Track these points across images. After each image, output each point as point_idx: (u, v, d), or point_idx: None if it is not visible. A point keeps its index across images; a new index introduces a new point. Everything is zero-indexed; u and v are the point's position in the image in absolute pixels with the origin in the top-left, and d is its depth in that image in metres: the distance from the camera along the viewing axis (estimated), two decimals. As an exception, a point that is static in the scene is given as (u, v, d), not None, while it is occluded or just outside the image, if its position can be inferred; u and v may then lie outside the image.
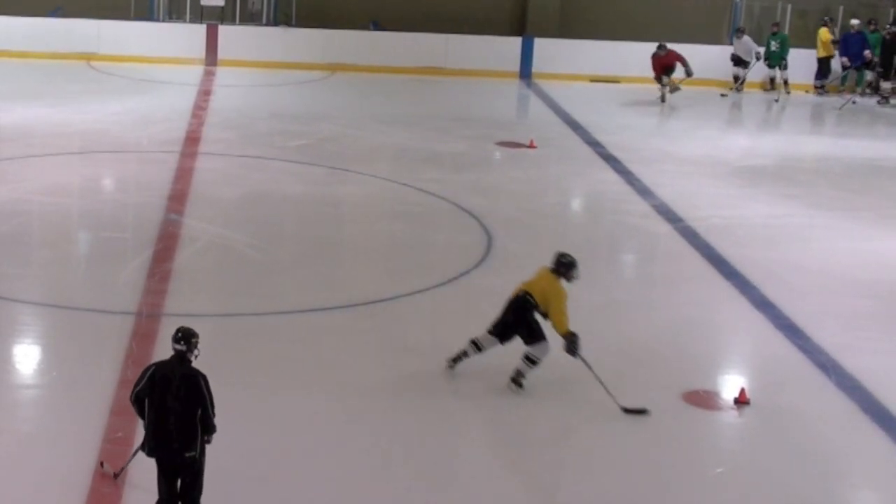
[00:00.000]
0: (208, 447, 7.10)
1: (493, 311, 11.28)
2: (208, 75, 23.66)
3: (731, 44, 25.04)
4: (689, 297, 12.08)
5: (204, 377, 6.99)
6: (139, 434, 8.19)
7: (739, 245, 13.77)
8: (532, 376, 9.66)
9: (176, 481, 7.05)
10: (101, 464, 7.90)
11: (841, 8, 25.76)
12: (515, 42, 25.50)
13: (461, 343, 9.97)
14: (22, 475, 7.83)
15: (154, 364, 7.11)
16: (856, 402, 9.66)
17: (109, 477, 7.73)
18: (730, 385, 9.83)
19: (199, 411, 6.94)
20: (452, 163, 17.52)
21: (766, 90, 24.76)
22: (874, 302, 12.17)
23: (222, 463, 8.02)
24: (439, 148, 18.33)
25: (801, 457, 8.75)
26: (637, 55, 24.98)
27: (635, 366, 10.17)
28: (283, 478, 7.92)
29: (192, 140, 17.70)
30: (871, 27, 24.88)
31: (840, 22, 25.52)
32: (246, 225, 13.61)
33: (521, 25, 27.14)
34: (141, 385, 7.02)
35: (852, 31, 24.69)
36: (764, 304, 11.80)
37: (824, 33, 24.69)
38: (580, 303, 11.68)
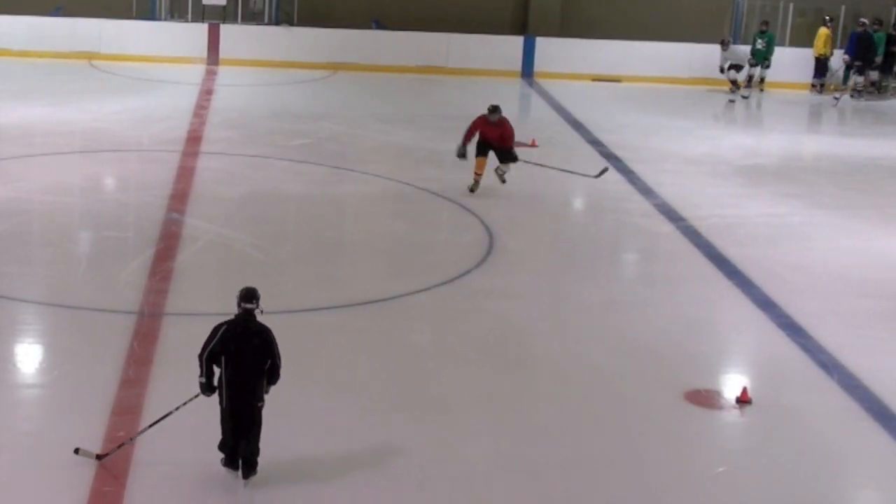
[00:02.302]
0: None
1: (495, 310, 11.32)
2: (210, 74, 23.67)
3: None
4: (690, 296, 12.08)
5: (272, 332, 7.66)
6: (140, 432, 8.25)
7: (741, 244, 13.77)
8: (532, 377, 9.69)
9: (239, 426, 7.64)
10: (77, 450, 7.93)
11: (843, 7, 25.76)
12: (517, 41, 25.51)
13: (462, 343, 9.99)
14: (23, 474, 7.83)
15: (224, 323, 7.63)
16: (857, 401, 9.65)
17: (111, 477, 7.73)
18: (731, 384, 9.83)
19: (269, 363, 7.62)
20: (454, 162, 17.50)
21: (745, 86, 24.70)
22: (876, 301, 12.16)
23: (219, 460, 8.04)
24: (441, 147, 18.31)
25: (802, 456, 8.74)
26: (638, 55, 25.04)
27: (636, 365, 10.17)
28: (282, 476, 7.92)
29: (193, 139, 17.71)
30: (875, 26, 24.88)
31: (842, 21, 25.53)
32: (247, 224, 13.61)
33: (523, 25, 27.16)
34: (213, 343, 7.58)
35: (858, 30, 24.70)
36: (765, 304, 11.80)
37: (825, 33, 24.69)
38: (582, 302, 11.75)
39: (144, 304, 10.81)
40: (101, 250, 12.90)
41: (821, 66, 24.89)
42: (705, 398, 9.55)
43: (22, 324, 10.58)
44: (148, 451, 8.03)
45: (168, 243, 12.66)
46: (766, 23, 24.95)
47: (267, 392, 7.74)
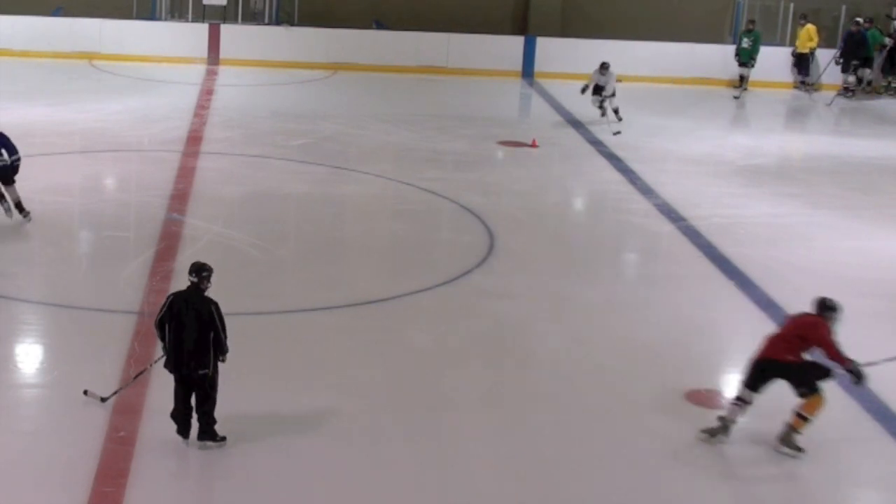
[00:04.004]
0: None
1: (495, 310, 11.32)
2: (210, 74, 23.66)
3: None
4: (690, 296, 12.08)
5: (216, 305, 8.03)
6: (142, 430, 8.29)
7: (741, 244, 13.77)
8: (532, 377, 9.70)
9: (191, 394, 8.09)
10: (85, 392, 8.69)
11: (843, 7, 25.77)
12: (517, 41, 25.50)
13: (463, 343, 9.93)
14: (24, 474, 7.84)
15: (173, 294, 8.18)
16: (858, 401, 9.65)
17: (111, 475, 7.74)
18: (732, 384, 9.81)
19: (212, 334, 7.97)
20: (454, 162, 17.53)
21: (735, 87, 24.64)
22: (876, 301, 12.15)
23: (221, 460, 8.05)
24: (441, 147, 18.33)
25: (803, 456, 8.73)
26: (638, 55, 25.00)
27: (638, 365, 10.17)
28: (282, 475, 7.92)
29: (193, 139, 17.71)
30: (867, 24, 24.85)
31: (842, 21, 25.56)
32: (248, 224, 13.61)
33: (523, 24, 27.14)
34: (162, 312, 8.10)
35: (852, 29, 24.70)
36: (766, 304, 11.79)
37: (808, 30, 24.74)
38: (582, 302, 11.75)
39: (144, 304, 10.81)
40: (101, 250, 12.90)
41: (804, 63, 24.90)
42: (706, 398, 9.55)
43: (22, 323, 10.58)
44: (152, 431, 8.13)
45: (168, 243, 12.66)
46: (752, 21, 24.90)
47: (223, 361, 8.11)
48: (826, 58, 24.87)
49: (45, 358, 9.89)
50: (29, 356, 9.93)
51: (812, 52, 24.83)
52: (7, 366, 9.56)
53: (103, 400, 8.56)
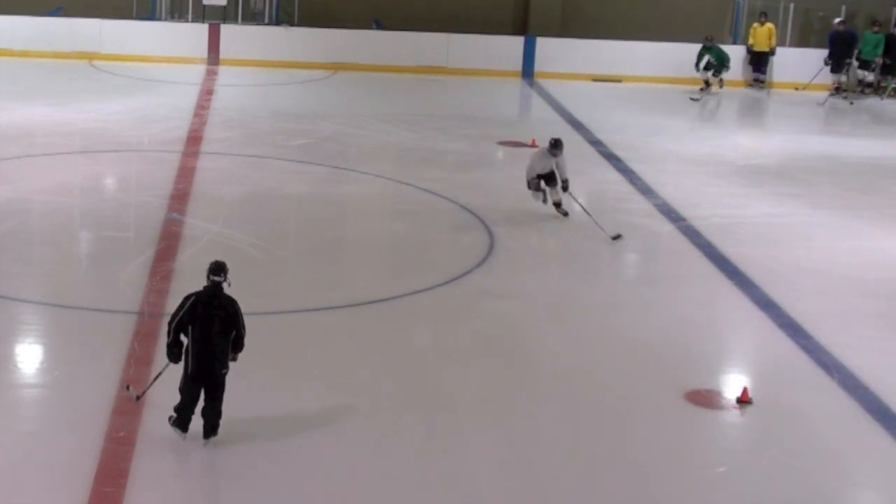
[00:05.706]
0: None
1: (495, 310, 11.32)
2: (210, 75, 23.66)
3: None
4: (690, 296, 12.08)
5: (237, 303, 8.12)
6: (142, 430, 8.30)
7: (741, 244, 13.77)
8: (532, 377, 9.70)
9: (201, 390, 8.09)
10: (127, 387, 8.80)
11: (843, 7, 25.78)
12: (517, 41, 25.52)
13: (463, 343, 9.93)
14: (24, 474, 7.83)
15: (193, 294, 8.11)
16: (858, 401, 9.65)
17: (111, 475, 7.74)
18: (732, 384, 9.83)
19: (234, 333, 8.08)
20: (454, 162, 17.52)
21: (706, 88, 24.51)
22: (876, 301, 12.16)
23: (222, 460, 8.06)
24: (441, 147, 18.33)
25: (803, 456, 8.74)
26: (638, 55, 25.03)
27: (637, 365, 10.17)
28: (282, 475, 7.93)
29: (193, 139, 17.71)
30: (875, 28, 24.84)
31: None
32: (248, 224, 13.60)
33: (523, 25, 27.16)
34: (182, 313, 8.05)
35: (839, 29, 24.70)
36: (766, 304, 11.80)
37: (768, 29, 24.76)
38: (582, 302, 11.75)
39: (144, 304, 10.81)
40: (101, 250, 12.90)
41: (762, 61, 24.91)
42: (706, 398, 9.55)
43: (22, 324, 10.57)
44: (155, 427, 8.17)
45: (168, 243, 12.66)
46: (710, 38, 24.41)
47: (234, 360, 8.18)
48: (786, 57, 25.04)
49: (45, 358, 9.89)
50: (29, 356, 9.93)
51: (772, 51, 24.89)
52: (7, 366, 9.56)
53: (137, 398, 8.64)
